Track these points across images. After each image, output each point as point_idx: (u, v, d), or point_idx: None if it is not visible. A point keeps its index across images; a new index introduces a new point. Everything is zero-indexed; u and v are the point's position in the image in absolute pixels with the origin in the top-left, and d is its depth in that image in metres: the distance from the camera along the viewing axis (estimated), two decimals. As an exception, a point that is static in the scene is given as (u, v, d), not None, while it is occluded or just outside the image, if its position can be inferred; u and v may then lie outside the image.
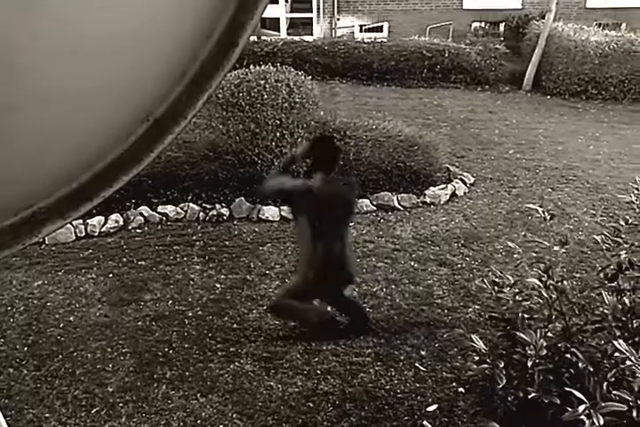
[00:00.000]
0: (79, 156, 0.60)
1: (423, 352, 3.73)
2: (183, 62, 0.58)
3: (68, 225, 5.34)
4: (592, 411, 2.06)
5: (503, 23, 13.80)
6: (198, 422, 3.19)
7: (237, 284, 4.63)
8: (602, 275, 2.81)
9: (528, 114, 9.51)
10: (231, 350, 3.79)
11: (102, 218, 5.56)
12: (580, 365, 2.43)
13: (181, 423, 3.18)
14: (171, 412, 3.25)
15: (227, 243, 5.34)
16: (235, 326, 4.07)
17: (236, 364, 3.65)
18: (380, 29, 14.04)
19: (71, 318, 4.18)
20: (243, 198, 5.88)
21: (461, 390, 3.37)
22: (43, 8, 0.49)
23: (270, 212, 5.78)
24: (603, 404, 2.11)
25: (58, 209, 0.59)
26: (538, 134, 8.43)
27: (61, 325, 4.10)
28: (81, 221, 5.45)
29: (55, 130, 0.58)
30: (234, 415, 3.23)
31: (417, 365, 3.61)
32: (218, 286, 4.61)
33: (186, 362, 3.68)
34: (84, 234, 5.46)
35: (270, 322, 4.09)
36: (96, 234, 5.48)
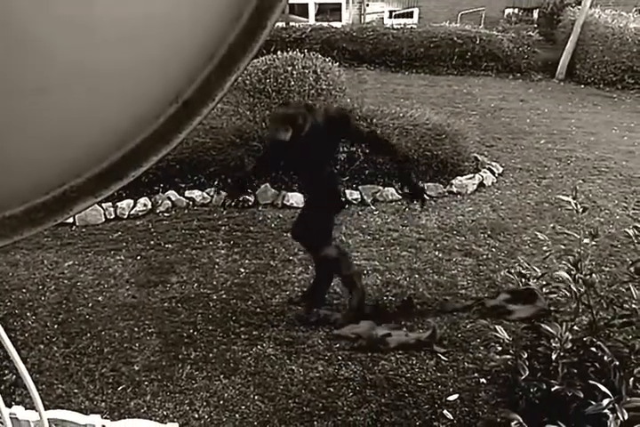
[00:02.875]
0: (108, 137, 0.61)
1: (445, 342, 3.73)
2: (211, 45, 0.58)
3: (98, 207, 5.46)
4: (616, 405, 2.03)
5: (537, 9, 13.43)
6: (221, 402, 3.26)
7: (261, 269, 4.67)
8: (632, 269, 2.74)
9: (561, 103, 9.27)
10: (254, 333, 3.85)
11: (131, 201, 5.66)
12: (605, 359, 2.40)
13: (204, 403, 3.25)
14: (194, 392, 3.33)
15: (251, 228, 5.39)
16: (258, 310, 4.12)
17: (259, 347, 3.70)
18: (410, 15, 13.81)
19: (100, 298, 4.29)
20: (268, 185, 5.90)
21: (483, 380, 3.35)
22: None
23: (295, 198, 5.80)
24: (628, 398, 2.08)
25: (89, 188, 0.60)
26: (570, 124, 8.21)
27: (90, 304, 4.22)
28: (110, 203, 5.56)
29: (83, 112, 0.58)
30: (255, 397, 3.29)
31: (439, 354, 3.60)
32: (242, 270, 4.67)
33: (210, 344, 3.75)
34: (113, 216, 5.57)
35: (293, 308, 4.12)
36: (125, 217, 5.59)
